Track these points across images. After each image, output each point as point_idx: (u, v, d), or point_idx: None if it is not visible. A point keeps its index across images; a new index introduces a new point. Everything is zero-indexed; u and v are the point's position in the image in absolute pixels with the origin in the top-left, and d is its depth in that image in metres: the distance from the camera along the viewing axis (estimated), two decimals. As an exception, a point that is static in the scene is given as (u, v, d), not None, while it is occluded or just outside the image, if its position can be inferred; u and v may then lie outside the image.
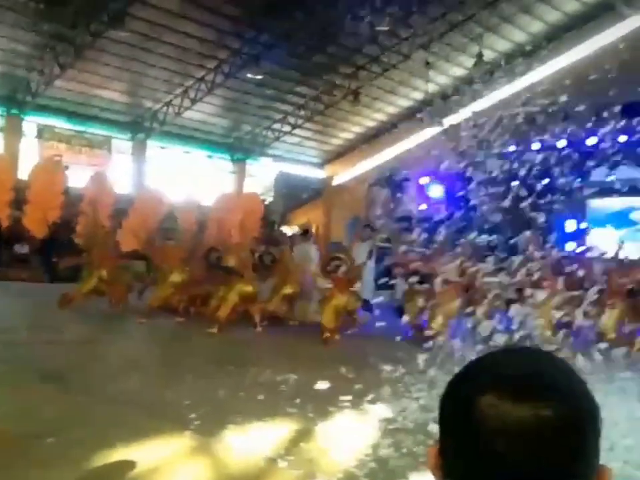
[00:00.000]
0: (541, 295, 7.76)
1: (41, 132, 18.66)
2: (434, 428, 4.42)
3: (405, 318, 8.74)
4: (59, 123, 18.68)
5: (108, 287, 9.89)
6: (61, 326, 8.42)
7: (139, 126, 19.94)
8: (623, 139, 12.74)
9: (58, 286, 10.81)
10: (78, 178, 18.22)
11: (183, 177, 21.40)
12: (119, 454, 3.65)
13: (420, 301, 8.79)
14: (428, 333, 7.69)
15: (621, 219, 17.88)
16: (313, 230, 16.17)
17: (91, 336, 8.06)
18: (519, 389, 0.70)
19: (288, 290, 9.88)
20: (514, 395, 0.69)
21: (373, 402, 5.24)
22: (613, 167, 13.60)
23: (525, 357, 0.77)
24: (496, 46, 18.21)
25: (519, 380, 0.71)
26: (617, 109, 8.55)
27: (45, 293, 11.32)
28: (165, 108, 19.28)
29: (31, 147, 18.42)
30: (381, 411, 5.02)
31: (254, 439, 4.12)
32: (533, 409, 0.68)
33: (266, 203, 23.03)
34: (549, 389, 0.70)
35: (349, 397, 5.28)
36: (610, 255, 9.72)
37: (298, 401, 5.05)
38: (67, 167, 17.79)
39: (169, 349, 7.77)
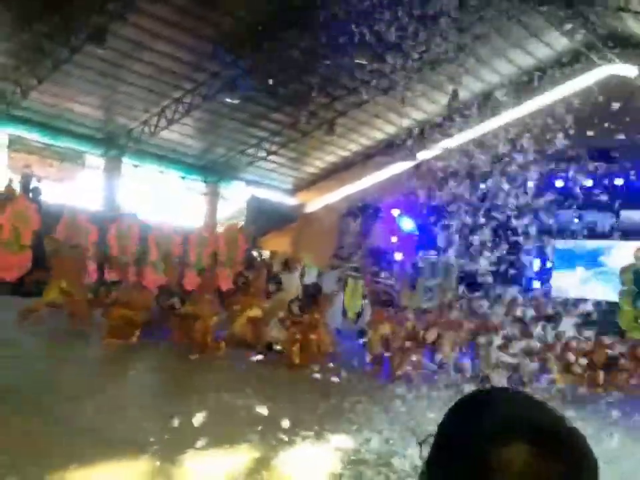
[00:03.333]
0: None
1: (12, 142, 18.38)
2: (396, 461, 4.43)
3: (366, 345, 8.82)
4: (32, 135, 18.44)
5: (68, 300, 9.71)
6: (19, 341, 8.19)
7: (113, 143, 19.78)
8: (588, 183, 13.12)
9: (23, 300, 10.56)
10: (48, 191, 18.05)
11: (155, 197, 21.28)
12: (75, 478, 3.56)
13: (384, 328, 8.85)
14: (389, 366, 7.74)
15: (586, 261, 18.31)
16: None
17: (49, 353, 7.87)
18: (545, 443, 0.71)
19: (252, 313, 9.83)
20: (541, 448, 0.71)
21: (335, 432, 5.22)
22: (579, 209, 13.97)
23: (531, 404, 0.79)
24: (470, 85, 18.68)
25: (545, 429, 0.73)
26: (584, 153, 8.82)
27: (7, 306, 11.02)
28: (141, 126, 19.20)
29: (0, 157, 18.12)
30: (342, 441, 4.99)
31: (213, 465, 4.06)
32: (558, 462, 0.70)
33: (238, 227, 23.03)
34: (570, 444, 0.73)
35: (311, 426, 5.24)
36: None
37: (259, 428, 5.00)
38: (38, 180, 17.61)
39: (128, 371, 7.62)
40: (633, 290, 13.03)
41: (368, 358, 9.08)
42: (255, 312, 9.85)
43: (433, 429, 0.83)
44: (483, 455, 0.71)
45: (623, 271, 13.67)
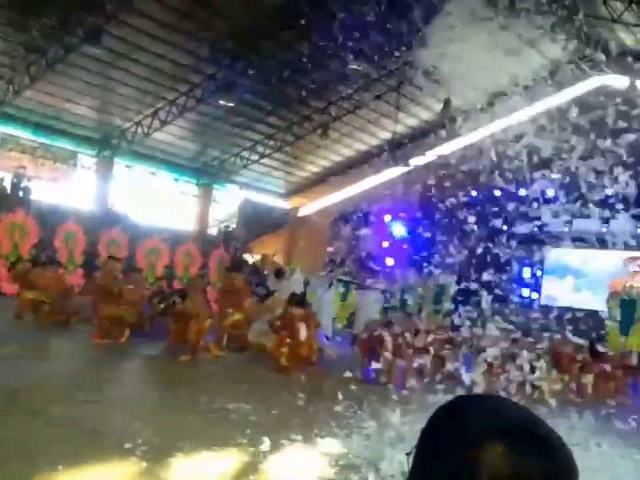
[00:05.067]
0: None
1: (4, 141, 18.31)
2: (384, 466, 4.45)
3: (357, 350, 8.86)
4: (24, 134, 18.37)
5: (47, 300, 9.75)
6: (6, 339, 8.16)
7: (106, 143, 19.74)
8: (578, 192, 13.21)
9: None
10: (40, 190, 17.98)
11: (147, 198, 21.25)
12: (61, 478, 3.56)
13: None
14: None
15: (576, 269, 18.41)
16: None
17: (38, 352, 7.84)
18: (523, 444, 0.74)
19: (237, 316, 9.86)
20: (520, 450, 0.73)
21: (323, 436, 5.23)
22: (570, 218, 14.05)
23: (511, 406, 0.82)
24: (464, 93, 18.76)
25: (523, 431, 0.75)
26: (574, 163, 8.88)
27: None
28: (134, 127, 19.18)
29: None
30: (331, 445, 5.01)
31: (201, 468, 4.07)
32: (537, 462, 0.73)
33: (229, 229, 23.03)
34: (548, 443, 0.76)
35: (300, 430, 5.26)
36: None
37: (248, 431, 5.00)
38: (29, 179, 17.55)
39: (117, 372, 7.61)
40: (620, 320, 13.16)
41: (358, 364, 9.11)
42: (238, 315, 9.87)
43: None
44: (464, 457, 0.73)
45: (611, 297, 13.80)
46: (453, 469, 0.74)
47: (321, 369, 8.69)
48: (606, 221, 17.39)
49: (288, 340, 8.60)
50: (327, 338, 10.82)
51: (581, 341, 10.13)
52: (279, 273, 11.81)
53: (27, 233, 12.41)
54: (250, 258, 20.79)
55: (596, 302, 15.65)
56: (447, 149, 18.98)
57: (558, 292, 17.73)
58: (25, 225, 12.34)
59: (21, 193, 17.23)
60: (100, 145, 19.77)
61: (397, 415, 5.76)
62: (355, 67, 16.39)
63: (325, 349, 9.67)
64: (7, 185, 17.17)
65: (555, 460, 0.74)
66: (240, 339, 9.92)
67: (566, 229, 17.22)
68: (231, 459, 4.35)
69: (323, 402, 6.40)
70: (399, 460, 4.34)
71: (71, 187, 19.71)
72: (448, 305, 13.06)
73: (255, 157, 21.72)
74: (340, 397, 6.51)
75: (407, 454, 0.88)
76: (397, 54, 15.67)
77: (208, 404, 5.84)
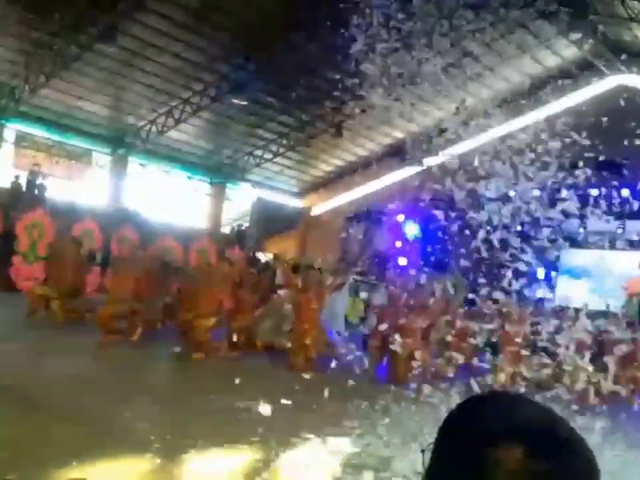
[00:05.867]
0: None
1: (20, 139, 18.45)
2: (398, 466, 4.41)
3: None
4: (40, 132, 18.51)
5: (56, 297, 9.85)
6: (17, 336, 8.20)
7: (120, 141, 19.85)
8: (595, 192, 13.10)
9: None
10: (55, 188, 18.12)
11: (160, 197, 21.33)
12: (77, 474, 3.56)
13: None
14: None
15: (591, 270, 18.26)
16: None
17: (49, 349, 7.87)
18: (546, 443, 0.72)
19: (244, 321, 9.87)
20: (541, 450, 0.71)
21: (336, 435, 5.21)
22: (585, 219, 13.92)
23: (529, 405, 0.79)
24: (478, 93, 18.67)
25: (544, 433, 0.73)
26: (591, 163, 8.81)
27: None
28: (149, 126, 19.26)
29: (6, 153, 18.17)
30: (344, 445, 4.98)
31: (213, 466, 4.06)
32: (557, 464, 0.71)
33: (242, 228, 23.07)
34: (568, 444, 0.73)
35: (313, 429, 5.24)
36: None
37: (260, 429, 4.99)
38: (44, 177, 17.68)
39: (127, 369, 7.62)
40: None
41: (368, 362, 9.09)
42: (244, 321, 9.84)
43: (435, 434, 0.83)
44: (482, 459, 0.72)
45: (628, 298, 13.65)
46: (470, 470, 0.73)
47: (333, 367, 8.66)
48: (621, 222, 17.26)
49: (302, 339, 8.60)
50: (339, 334, 10.80)
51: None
52: (296, 269, 11.78)
53: (45, 231, 12.52)
54: (263, 256, 20.79)
55: (611, 303, 15.49)
56: (461, 148, 18.89)
57: (573, 293, 17.58)
58: (43, 223, 12.45)
59: (36, 191, 17.36)
60: (114, 143, 19.88)
61: (409, 413, 5.73)
62: (368, 65, 16.32)
63: (335, 346, 9.64)
64: (23, 182, 17.30)
65: (576, 463, 0.72)
66: (249, 338, 9.90)
67: (581, 230, 17.10)
68: (243, 457, 4.34)
69: (335, 400, 6.37)
70: (411, 459, 4.31)
71: (85, 185, 19.84)
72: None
73: (268, 156, 21.73)
74: (352, 395, 6.48)
75: (422, 451, 0.86)
76: (411, 52, 15.62)
77: (218, 402, 5.84)
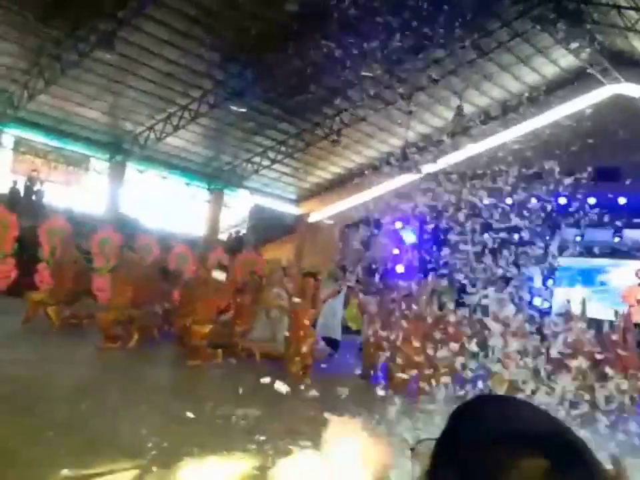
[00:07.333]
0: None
1: (18, 145, 18.46)
2: (395, 473, 4.40)
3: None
4: (38, 138, 18.52)
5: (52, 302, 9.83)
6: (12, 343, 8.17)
7: (119, 147, 19.87)
8: (592, 201, 13.13)
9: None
10: (53, 194, 18.13)
11: (158, 203, 21.34)
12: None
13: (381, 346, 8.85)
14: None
15: (588, 279, 18.28)
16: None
17: (45, 355, 7.84)
18: (562, 455, 0.70)
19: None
20: (560, 461, 0.69)
21: (332, 444, 5.19)
22: (582, 228, 13.94)
23: (538, 413, 0.77)
24: (476, 101, 18.74)
25: (561, 445, 0.71)
26: (588, 172, 8.83)
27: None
28: (147, 132, 19.29)
29: (4, 159, 18.18)
30: (340, 452, 4.97)
31: (209, 474, 4.05)
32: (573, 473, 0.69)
33: (240, 234, 23.07)
34: (586, 458, 0.71)
35: (310, 437, 5.22)
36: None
37: (257, 437, 4.99)
38: (42, 182, 17.69)
39: (125, 376, 7.60)
40: None
41: (364, 370, 9.09)
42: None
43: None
44: (499, 465, 0.69)
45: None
46: (481, 475, 0.70)
47: (330, 375, 8.65)
48: (618, 231, 17.29)
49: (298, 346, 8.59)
50: (335, 341, 10.82)
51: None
52: (310, 277, 11.77)
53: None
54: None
55: (609, 311, 15.49)
56: (458, 156, 18.97)
57: (570, 301, 17.56)
58: (64, 231, 12.48)
59: (33, 197, 17.37)
60: (112, 149, 19.90)
61: (405, 421, 5.73)
62: (366, 73, 16.41)
63: (320, 351, 9.63)
64: (21, 188, 17.31)
65: (587, 472, 0.70)
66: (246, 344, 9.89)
67: (578, 238, 17.12)
68: (239, 465, 4.33)
69: (333, 408, 6.36)
70: (407, 468, 4.30)
71: (83, 191, 19.84)
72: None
73: (266, 163, 21.77)
74: (348, 403, 6.47)
75: (412, 449, 0.84)
76: (409, 61, 15.70)
77: (215, 409, 5.82)
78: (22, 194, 17.21)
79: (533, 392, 6.85)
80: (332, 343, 10.83)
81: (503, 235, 7.99)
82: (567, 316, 9.90)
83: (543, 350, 7.98)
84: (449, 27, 13.98)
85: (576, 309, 10.16)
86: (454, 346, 8.17)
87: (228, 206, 23.93)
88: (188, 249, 15.27)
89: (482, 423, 0.74)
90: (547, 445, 0.69)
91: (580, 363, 8.32)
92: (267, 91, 17.19)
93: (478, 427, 0.74)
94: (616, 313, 10.63)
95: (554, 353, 7.98)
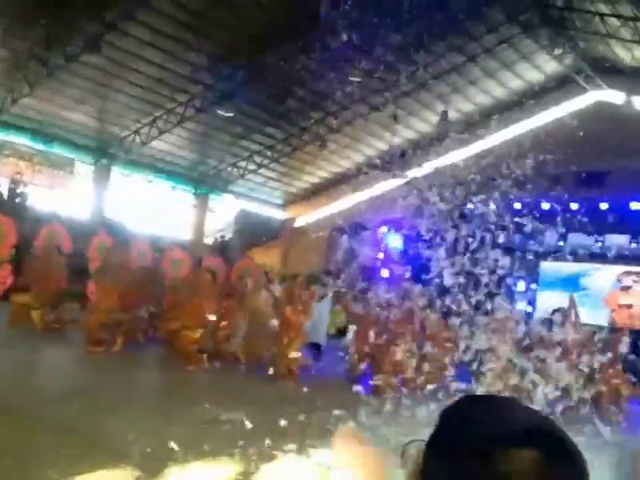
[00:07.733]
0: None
1: (1, 147, 18.29)
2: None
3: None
4: (22, 140, 18.36)
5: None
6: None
7: (104, 151, 19.75)
8: (574, 206, 13.29)
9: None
10: (37, 197, 17.96)
11: (144, 207, 21.22)
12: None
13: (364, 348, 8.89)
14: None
15: (571, 283, 18.44)
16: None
17: (32, 359, 7.79)
18: (555, 450, 0.71)
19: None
20: (553, 455, 0.71)
21: (318, 448, 5.20)
22: (565, 232, 14.09)
23: (528, 410, 0.78)
24: (461, 106, 18.89)
25: (553, 440, 0.73)
26: (571, 178, 8.95)
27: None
28: (132, 136, 19.20)
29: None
30: (325, 456, 4.98)
31: (194, 478, 4.04)
32: (564, 470, 0.71)
33: (225, 239, 23.00)
34: (575, 452, 0.73)
35: (294, 441, 5.23)
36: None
37: (242, 442, 4.98)
38: (25, 185, 17.53)
39: (114, 380, 7.56)
40: None
41: (349, 374, 9.12)
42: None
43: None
44: (494, 460, 0.70)
45: None
46: (476, 470, 0.70)
47: (316, 379, 8.66)
48: (601, 235, 17.50)
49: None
50: (319, 345, 10.82)
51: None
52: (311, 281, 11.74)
53: (62, 242, 12.46)
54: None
55: (593, 316, 15.67)
56: (444, 160, 19.08)
57: (553, 306, 17.72)
58: (62, 235, 12.35)
59: (17, 199, 17.22)
60: (98, 152, 19.77)
61: (391, 425, 5.74)
62: (353, 78, 16.48)
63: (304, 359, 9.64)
64: (4, 190, 17.15)
65: (577, 468, 0.72)
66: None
67: (561, 243, 17.29)
68: (224, 469, 4.33)
69: (317, 412, 6.37)
70: (395, 472, 4.32)
71: (67, 194, 19.69)
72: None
73: (252, 167, 21.75)
74: (334, 406, 6.48)
75: (403, 451, 0.85)
76: (395, 66, 15.79)
77: (201, 413, 5.81)
78: (5, 196, 17.05)
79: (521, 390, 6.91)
80: (317, 347, 10.83)
81: (486, 239, 8.06)
82: (562, 313, 9.94)
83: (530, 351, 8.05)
84: (435, 32, 14.10)
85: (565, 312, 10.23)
86: (440, 349, 8.22)
87: (213, 210, 23.86)
88: (183, 253, 15.15)
89: (471, 423, 0.75)
90: (536, 440, 0.71)
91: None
92: (254, 96, 17.20)
93: (467, 426, 0.75)
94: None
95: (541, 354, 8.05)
